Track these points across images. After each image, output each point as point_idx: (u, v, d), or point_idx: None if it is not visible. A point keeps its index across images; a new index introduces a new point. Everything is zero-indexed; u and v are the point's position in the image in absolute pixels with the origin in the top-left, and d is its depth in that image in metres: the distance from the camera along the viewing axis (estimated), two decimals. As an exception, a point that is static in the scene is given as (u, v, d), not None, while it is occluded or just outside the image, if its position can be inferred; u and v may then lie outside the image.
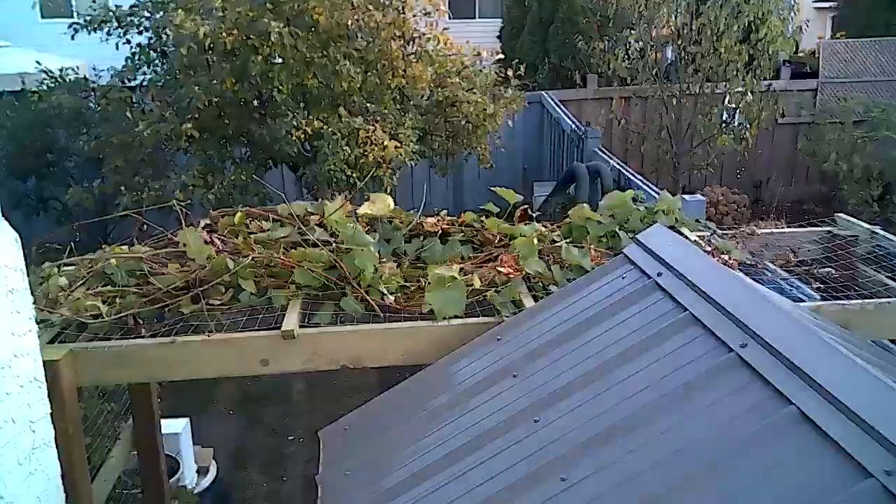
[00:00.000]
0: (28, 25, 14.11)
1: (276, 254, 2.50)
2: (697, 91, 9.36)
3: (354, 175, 5.97)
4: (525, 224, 3.00)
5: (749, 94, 9.38)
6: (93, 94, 6.79)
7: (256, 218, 2.79)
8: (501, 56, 7.52)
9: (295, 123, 5.85)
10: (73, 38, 6.40)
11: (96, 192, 6.67)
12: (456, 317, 2.35)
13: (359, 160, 5.87)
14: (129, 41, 6.17)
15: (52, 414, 2.05)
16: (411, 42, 6.77)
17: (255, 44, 5.60)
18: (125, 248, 2.79)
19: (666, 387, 1.52)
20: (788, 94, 10.63)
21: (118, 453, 3.04)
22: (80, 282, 2.59)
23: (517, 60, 8.46)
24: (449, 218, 2.91)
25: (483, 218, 2.92)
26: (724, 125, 9.81)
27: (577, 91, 10.50)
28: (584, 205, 3.10)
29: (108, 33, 6.14)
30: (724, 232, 3.19)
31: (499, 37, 13.15)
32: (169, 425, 4.00)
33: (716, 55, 8.91)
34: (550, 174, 9.44)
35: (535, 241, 2.69)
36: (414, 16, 6.50)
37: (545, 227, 3.06)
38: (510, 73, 7.47)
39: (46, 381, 2.10)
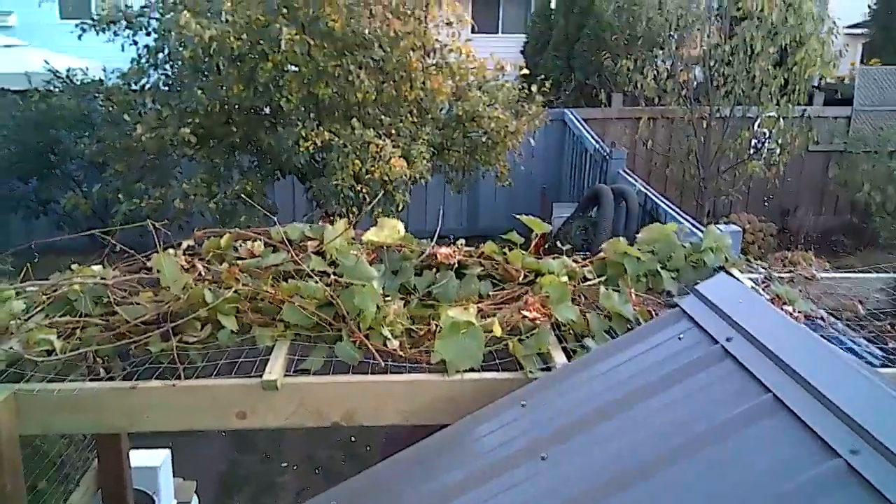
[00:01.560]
0: (48, 26, 14.01)
1: (265, 285, 2.14)
2: (728, 114, 8.97)
3: (364, 191, 5.63)
4: (553, 258, 2.62)
5: (782, 119, 8.99)
6: (99, 96, 6.48)
7: (246, 241, 2.43)
8: (526, 71, 7.17)
9: (304, 134, 5.52)
10: (80, 38, 6.11)
11: (96, 198, 6.36)
12: (471, 370, 1.97)
13: (367, 175, 5.52)
14: (136, 42, 5.86)
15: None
16: (432, 53, 6.44)
17: (266, 49, 5.28)
18: (97, 268, 2.44)
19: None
20: (821, 121, 10.21)
21: (77, 500, 2.67)
22: (38, 308, 2.24)
23: (542, 77, 8.12)
24: (466, 249, 2.54)
25: (506, 250, 2.55)
26: (754, 150, 9.41)
27: (602, 110, 10.13)
28: (621, 238, 2.72)
29: (116, 34, 5.85)
30: (780, 275, 2.80)
31: (522, 52, 12.82)
32: (146, 458, 3.63)
33: (749, 78, 8.53)
34: (570, 195, 9.06)
35: (566, 279, 2.31)
36: (436, 26, 6.16)
37: (576, 261, 2.68)
38: (534, 88, 7.13)
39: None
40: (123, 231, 6.26)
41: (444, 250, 2.41)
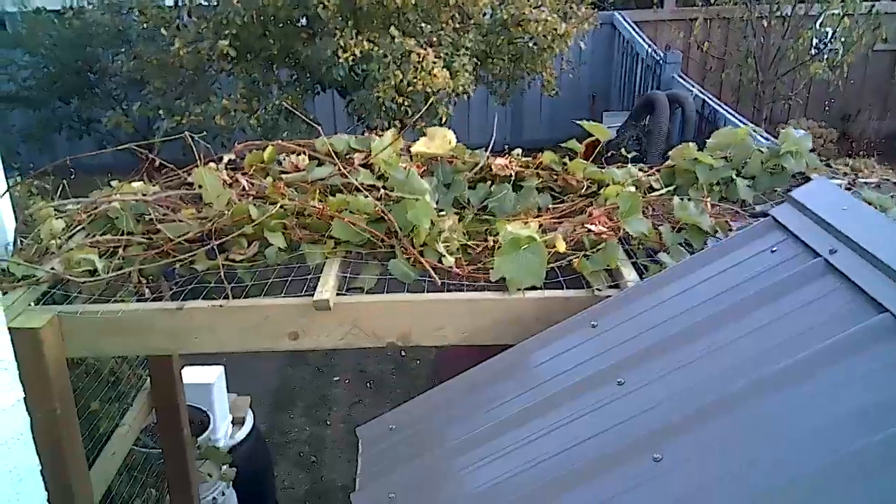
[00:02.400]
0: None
1: (312, 200, 2.01)
2: (789, 13, 8.37)
3: (406, 103, 5.41)
4: (617, 166, 2.43)
5: (846, 16, 8.34)
6: (133, 10, 6.29)
7: (290, 153, 2.29)
8: (575, -33, 6.72)
9: (342, 44, 5.28)
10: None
11: (137, 116, 6.27)
12: (533, 287, 1.84)
13: (408, 87, 5.29)
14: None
15: (25, 398, 1.64)
16: (472, -48, 6.06)
17: (299, -48, 5.01)
18: (138, 184, 2.34)
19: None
20: (889, 17, 9.46)
21: (131, 420, 2.67)
22: (79, 227, 2.16)
23: (590, -25, 7.64)
24: (524, 159, 2.36)
25: (566, 159, 2.37)
26: (816, 51, 8.81)
27: (654, 11, 9.56)
28: (690, 144, 2.51)
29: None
30: (866, 181, 2.57)
31: (566, -49, 12.10)
32: (200, 375, 3.64)
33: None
34: (621, 103, 8.68)
35: (633, 189, 2.13)
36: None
37: (641, 170, 2.49)
38: (582, -13, 6.71)
39: (25, 352, 1.69)
40: (165, 147, 6.22)
41: (499, 161, 2.24)
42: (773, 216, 1.57)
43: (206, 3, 5.62)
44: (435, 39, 5.87)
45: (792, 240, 1.47)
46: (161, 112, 5.68)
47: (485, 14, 6.35)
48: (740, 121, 5.50)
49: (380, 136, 2.33)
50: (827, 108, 9.85)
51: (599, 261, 1.88)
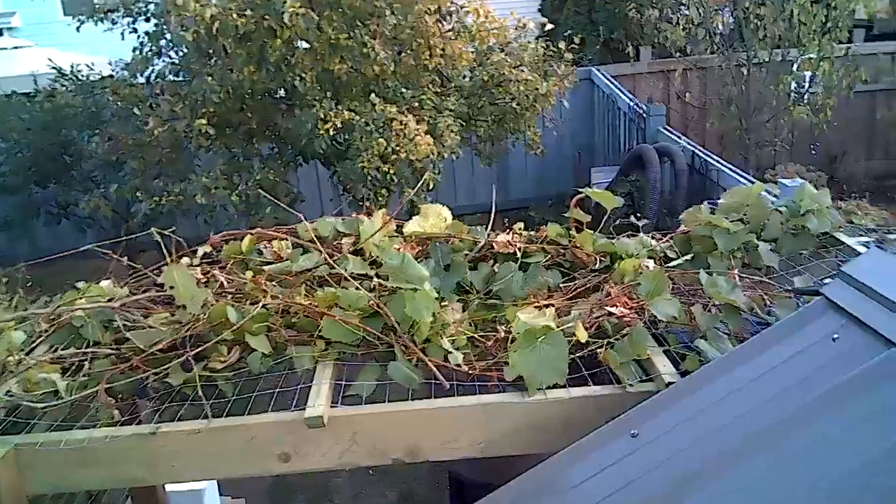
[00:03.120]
0: (53, 23, 13.73)
1: (298, 296, 1.80)
2: (767, 59, 8.41)
3: (391, 171, 5.26)
4: (628, 235, 2.25)
5: (824, 60, 8.39)
6: (106, 91, 6.16)
7: (271, 241, 2.09)
8: (551, 26, 6.70)
9: (322, 115, 5.15)
10: (77, 29, 5.81)
11: (114, 198, 6.08)
12: (556, 385, 1.62)
13: (392, 155, 5.15)
14: (135, 30, 5.51)
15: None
16: (448, 17, 6.03)
17: (273, 25, 4.90)
18: (106, 284, 2.12)
19: None
20: (865, 59, 9.55)
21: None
22: (40, 339, 1.93)
23: (568, 32, 7.67)
24: (526, 233, 2.18)
25: (572, 231, 2.18)
26: (798, 95, 8.84)
27: (631, 65, 9.60)
28: (702, 206, 2.34)
29: (114, 22, 5.51)
30: (887, 232, 2.40)
31: (540, 10, 12.23)
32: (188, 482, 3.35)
33: (786, 17, 7.95)
34: (606, 158, 8.61)
35: (651, 264, 1.94)
36: (447, -11, 5.73)
37: (653, 238, 2.31)
38: (562, 45, 6.67)
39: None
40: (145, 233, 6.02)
41: (501, 238, 2.05)
42: (826, 295, 1.37)
43: (180, 79, 5.49)
44: (416, 104, 5.77)
45: (854, 324, 1.27)
46: (139, 194, 5.49)
47: (464, 77, 6.28)
48: (733, 171, 5.39)
49: (370, 213, 2.14)
50: (813, 151, 9.84)
51: (627, 350, 1.67)
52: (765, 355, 1.36)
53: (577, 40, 6.69)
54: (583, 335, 1.67)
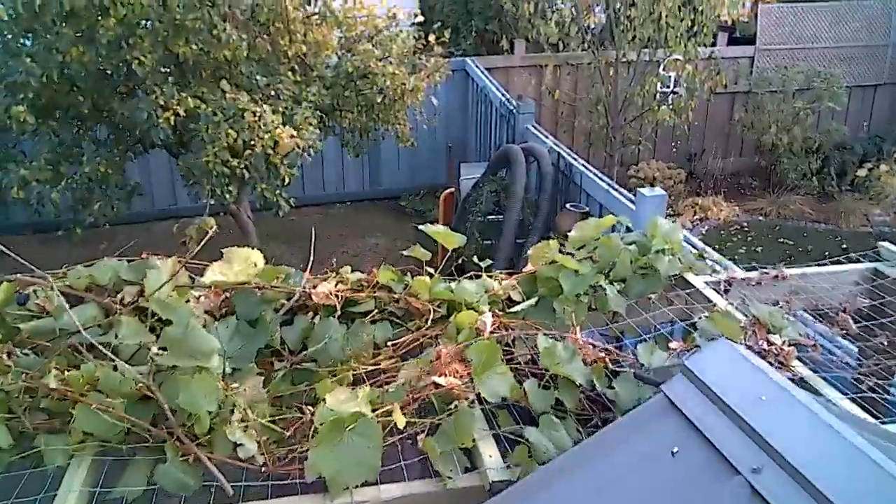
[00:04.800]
0: None
1: (55, 368, 1.43)
2: (635, 59, 8.54)
3: (241, 166, 4.82)
4: (469, 278, 2.02)
5: (688, 62, 8.63)
6: None
7: (40, 290, 1.70)
8: (422, 18, 6.42)
9: (162, 103, 4.64)
10: None
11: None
12: (367, 483, 1.36)
13: (245, 149, 4.72)
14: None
15: None
16: (313, 1, 5.62)
17: (105, 3, 4.33)
18: None
19: None
20: (725, 62, 9.95)
21: None
22: None
23: (439, 24, 7.42)
24: (356, 278, 1.89)
25: (407, 276, 1.92)
26: (663, 96, 9.06)
27: (505, 58, 9.50)
28: (550, 242, 2.14)
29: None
30: (744, 276, 2.31)
31: (416, -4, 11.94)
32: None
33: (654, 19, 8.08)
34: (478, 153, 8.47)
35: (488, 322, 1.71)
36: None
37: (495, 277, 2.09)
38: (432, 38, 6.41)
39: None
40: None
41: (321, 289, 1.75)
42: (667, 395, 1.18)
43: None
44: (273, 93, 5.34)
45: (697, 438, 1.08)
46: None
47: (327, 66, 5.90)
48: (596, 175, 5.34)
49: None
50: (674, 149, 10.16)
51: (451, 436, 1.43)
52: (598, 465, 1.15)
53: (447, 34, 6.41)
54: (401, 421, 1.42)
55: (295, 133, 4.90)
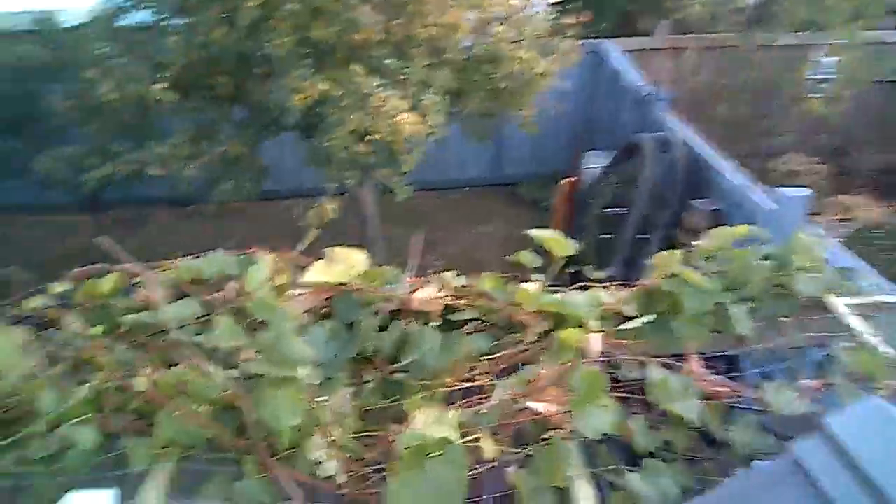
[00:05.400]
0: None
1: (147, 367, 1.44)
2: (790, 43, 7.87)
3: (364, 151, 4.84)
4: (581, 287, 1.88)
5: (849, 47, 7.84)
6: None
7: (144, 281, 1.72)
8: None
9: (295, 86, 4.72)
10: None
11: (69, 160, 5.67)
12: (448, 517, 1.27)
13: (368, 134, 4.73)
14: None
15: None
16: (449, -19, 5.52)
17: (248, -17, 4.45)
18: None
19: None
20: (888, 48, 8.96)
21: None
22: None
23: (579, 2, 7.14)
24: (456, 283, 1.80)
25: (511, 282, 1.81)
26: (815, 83, 8.32)
27: (644, 40, 9.05)
28: (674, 252, 1.96)
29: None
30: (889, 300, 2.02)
31: (555, -26, 11.58)
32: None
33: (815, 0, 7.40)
34: (606, 141, 8.14)
35: (596, 345, 1.57)
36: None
37: (607, 286, 1.94)
38: (568, 20, 6.17)
39: None
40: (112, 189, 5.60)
41: (421, 295, 1.67)
42: (800, 460, 1.01)
43: (144, 38, 5.03)
44: (402, 76, 5.32)
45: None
46: (89, 161, 5.10)
47: (458, 49, 5.80)
48: (731, 170, 4.96)
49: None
50: (821, 141, 9.34)
51: (543, 472, 1.31)
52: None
53: (584, 16, 6.14)
54: (491, 451, 1.32)
55: (419, 120, 4.85)
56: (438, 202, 8.86)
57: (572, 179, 7.00)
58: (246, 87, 5.39)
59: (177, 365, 1.42)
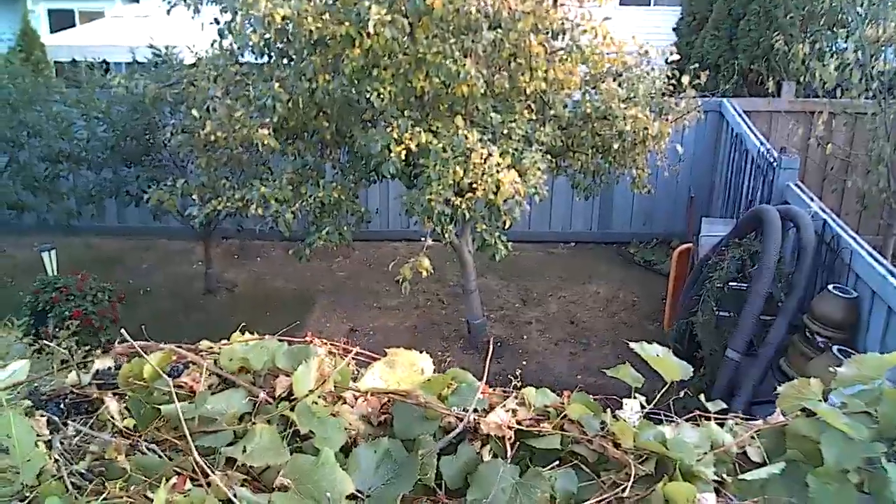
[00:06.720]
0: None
1: (166, 489, 1.24)
2: (935, 112, 7.18)
3: (463, 206, 4.66)
4: (692, 419, 1.56)
5: None
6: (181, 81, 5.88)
7: (190, 364, 1.55)
8: (677, 56, 5.86)
9: (396, 137, 4.61)
10: (168, 13, 5.53)
11: (180, 193, 5.79)
12: None
13: (468, 190, 4.55)
14: (217, 21, 5.13)
15: None
16: (560, 35, 5.30)
17: (352, 33, 4.39)
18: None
19: None
20: None
21: None
22: None
23: (697, 63, 6.79)
24: (542, 404, 1.53)
25: (608, 413, 1.51)
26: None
27: (769, 101, 8.52)
28: (812, 381, 1.61)
29: (197, 10, 5.17)
30: None
31: (675, 29, 11.23)
32: None
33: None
34: (725, 208, 7.64)
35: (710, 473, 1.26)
36: (562, 4, 5.02)
37: (727, 424, 1.60)
38: (685, 79, 5.83)
39: None
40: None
41: (494, 418, 1.41)
42: None
43: (249, 81, 5.07)
44: (505, 132, 5.13)
45: None
46: (195, 196, 5.17)
47: (565, 105, 5.57)
48: (870, 254, 4.43)
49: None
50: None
51: None
52: None
53: (703, 76, 5.79)
54: None
55: (520, 179, 4.63)
56: (540, 255, 8.57)
57: (688, 246, 6.56)
58: (348, 133, 5.35)
59: (206, 478, 1.22)
